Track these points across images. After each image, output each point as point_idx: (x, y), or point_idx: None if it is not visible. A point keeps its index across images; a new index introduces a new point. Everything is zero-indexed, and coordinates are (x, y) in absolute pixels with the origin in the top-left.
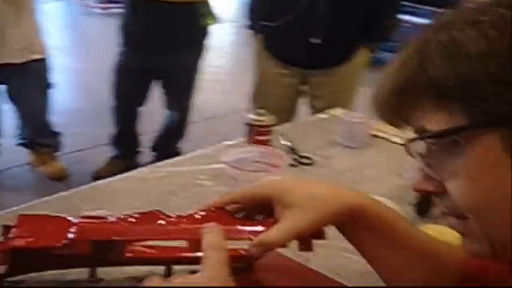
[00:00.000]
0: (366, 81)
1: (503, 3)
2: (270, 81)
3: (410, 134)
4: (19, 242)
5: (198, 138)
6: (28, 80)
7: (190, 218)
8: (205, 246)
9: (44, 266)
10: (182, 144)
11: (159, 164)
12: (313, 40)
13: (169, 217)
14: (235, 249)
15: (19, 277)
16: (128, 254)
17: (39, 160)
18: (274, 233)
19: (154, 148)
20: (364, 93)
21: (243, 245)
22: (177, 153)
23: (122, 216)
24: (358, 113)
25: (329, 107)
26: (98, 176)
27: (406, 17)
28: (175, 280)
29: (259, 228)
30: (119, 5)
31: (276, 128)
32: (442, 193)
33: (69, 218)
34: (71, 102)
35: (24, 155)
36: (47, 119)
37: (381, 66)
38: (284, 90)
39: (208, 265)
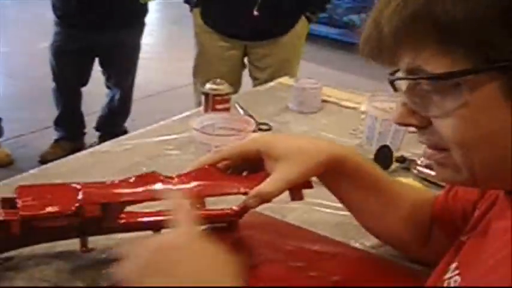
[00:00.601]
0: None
1: None
2: (212, 55)
3: (360, 98)
4: (30, 211)
5: (142, 116)
6: None
7: (187, 176)
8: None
9: (34, 239)
10: (126, 123)
11: (120, 138)
12: (253, 11)
13: (167, 177)
14: (220, 209)
15: (9, 253)
16: (120, 221)
17: None
18: (269, 184)
19: (98, 128)
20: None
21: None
22: (122, 132)
23: (121, 180)
24: (309, 79)
25: (272, 79)
26: (44, 160)
27: None
28: (148, 242)
29: (252, 182)
30: None
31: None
32: (425, 127)
33: (71, 184)
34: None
35: None
36: None
37: (316, 40)
38: (227, 63)
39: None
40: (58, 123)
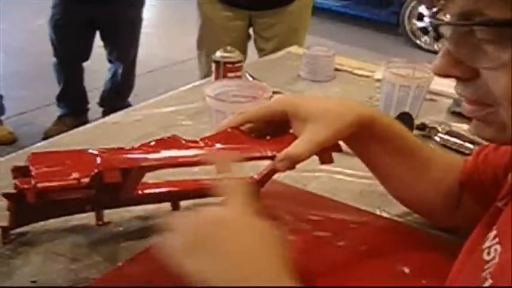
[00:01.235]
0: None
1: None
2: (216, 26)
3: (373, 67)
4: (46, 178)
5: (145, 91)
6: None
7: (210, 139)
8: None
9: (48, 213)
10: (130, 98)
11: (129, 108)
12: None
13: (190, 141)
14: (240, 178)
15: (22, 228)
16: (138, 192)
17: None
18: (298, 146)
19: (102, 103)
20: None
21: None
22: (126, 107)
23: (139, 144)
24: (321, 47)
25: (278, 49)
26: (48, 137)
27: None
28: (196, 215)
29: (279, 145)
30: None
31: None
32: (469, 79)
33: (88, 150)
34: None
35: None
36: None
37: (319, 12)
38: (232, 33)
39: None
40: (60, 99)
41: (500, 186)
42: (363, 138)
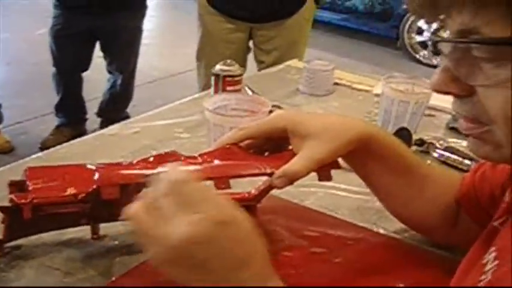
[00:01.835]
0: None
1: None
2: (216, 38)
3: (372, 81)
4: (43, 193)
5: (144, 102)
6: None
7: (209, 155)
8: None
9: (44, 226)
10: (128, 109)
11: (128, 120)
12: None
13: (189, 157)
14: (237, 193)
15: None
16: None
17: None
18: (296, 163)
19: (100, 114)
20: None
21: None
22: (124, 118)
23: (137, 160)
24: (321, 61)
25: (278, 62)
26: (45, 146)
27: None
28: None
29: (278, 162)
30: None
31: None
32: (466, 96)
33: (86, 165)
34: (1, 74)
35: None
36: None
37: (318, 25)
38: (232, 45)
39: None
40: (59, 109)
41: (497, 205)
42: (362, 155)
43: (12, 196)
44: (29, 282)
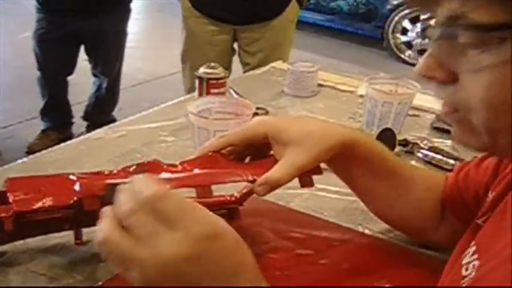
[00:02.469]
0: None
1: None
2: (200, 40)
3: (356, 82)
4: (24, 206)
5: (130, 105)
6: None
7: (191, 163)
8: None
9: (26, 233)
10: (114, 112)
11: (113, 124)
12: None
13: (169, 165)
14: (220, 195)
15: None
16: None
17: None
18: (278, 170)
19: (86, 117)
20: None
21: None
22: (111, 122)
23: (119, 169)
24: (305, 62)
25: (263, 64)
26: (31, 151)
27: None
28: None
29: (260, 169)
30: None
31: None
32: (449, 83)
33: (65, 175)
34: None
35: None
36: None
37: (303, 26)
38: (216, 48)
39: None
40: (44, 113)
41: (481, 204)
42: (344, 160)
43: None
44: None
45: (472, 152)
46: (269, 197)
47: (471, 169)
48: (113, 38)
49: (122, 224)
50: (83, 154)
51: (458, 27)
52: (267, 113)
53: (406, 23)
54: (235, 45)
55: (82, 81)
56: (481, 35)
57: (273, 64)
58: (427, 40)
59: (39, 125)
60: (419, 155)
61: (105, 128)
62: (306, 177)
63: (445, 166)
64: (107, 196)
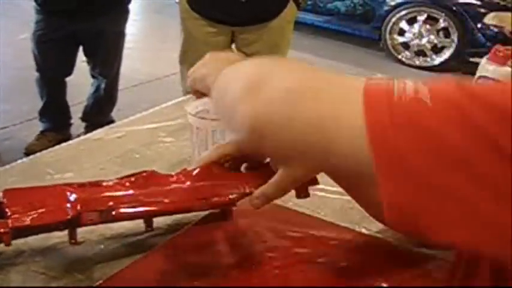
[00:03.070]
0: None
1: None
2: (198, 41)
3: None
4: (22, 221)
5: (128, 106)
6: None
7: (186, 176)
8: None
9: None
10: (113, 113)
11: (112, 125)
12: None
13: (166, 176)
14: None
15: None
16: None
17: None
18: (274, 184)
19: (84, 118)
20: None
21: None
22: (109, 122)
23: (115, 181)
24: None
25: None
26: (30, 152)
27: None
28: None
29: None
30: None
31: None
32: None
33: (63, 186)
34: None
35: None
36: None
37: (301, 27)
38: (214, 49)
39: None
40: (43, 114)
41: None
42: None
43: None
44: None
45: None
46: None
47: None
48: (112, 39)
49: None
50: (82, 154)
51: None
52: None
53: (403, 24)
54: (233, 47)
55: (80, 82)
56: None
57: None
58: (423, 41)
59: (38, 126)
60: None
61: (104, 128)
62: (302, 187)
63: None
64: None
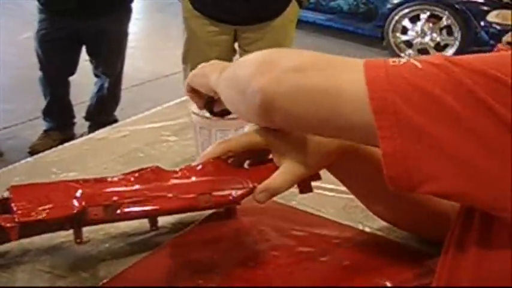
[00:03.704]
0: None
1: None
2: (201, 40)
3: None
4: (29, 216)
5: (131, 105)
6: None
7: (191, 171)
8: None
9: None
10: (116, 112)
11: (116, 124)
12: None
13: (170, 172)
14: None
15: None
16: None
17: None
18: (278, 178)
19: (88, 117)
20: None
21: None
22: (113, 122)
23: (120, 177)
24: None
25: None
26: (34, 151)
27: None
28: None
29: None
30: None
31: None
32: None
33: (68, 182)
34: None
35: None
36: None
37: (303, 25)
38: (217, 48)
39: None
40: (46, 113)
41: None
42: (345, 165)
43: None
44: (21, 286)
45: None
46: None
47: None
48: (114, 38)
49: None
50: (86, 154)
51: None
52: None
53: (406, 22)
54: (236, 45)
55: (84, 82)
56: None
57: None
58: (426, 39)
59: (41, 126)
60: None
61: (108, 128)
62: (305, 183)
63: None
64: (111, 207)
